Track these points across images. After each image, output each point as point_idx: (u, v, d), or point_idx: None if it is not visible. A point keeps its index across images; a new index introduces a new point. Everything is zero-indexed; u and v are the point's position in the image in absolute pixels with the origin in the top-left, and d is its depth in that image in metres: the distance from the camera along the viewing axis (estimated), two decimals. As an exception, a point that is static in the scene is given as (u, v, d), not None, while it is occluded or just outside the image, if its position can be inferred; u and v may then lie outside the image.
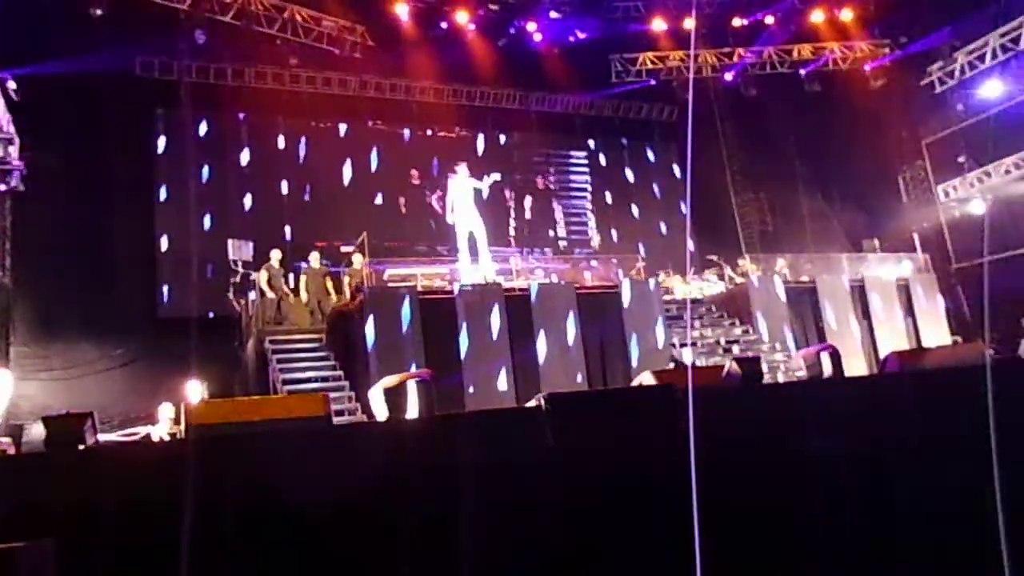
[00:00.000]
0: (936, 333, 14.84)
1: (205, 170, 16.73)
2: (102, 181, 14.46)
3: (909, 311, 14.96)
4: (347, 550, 4.01)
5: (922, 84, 17.45)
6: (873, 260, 16.24)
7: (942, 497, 5.31)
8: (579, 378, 11.55)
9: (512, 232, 19.34)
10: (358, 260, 12.81)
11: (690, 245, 21.09)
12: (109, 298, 14.18)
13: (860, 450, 5.42)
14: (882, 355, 12.20)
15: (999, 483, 4.29)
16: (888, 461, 5.51)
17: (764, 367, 9.02)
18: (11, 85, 13.06)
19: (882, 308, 14.55)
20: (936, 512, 5.28)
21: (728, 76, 19.13)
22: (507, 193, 19.42)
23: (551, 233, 20.20)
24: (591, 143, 21.13)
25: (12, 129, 12.59)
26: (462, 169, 13.23)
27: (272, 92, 17.34)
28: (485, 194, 13.33)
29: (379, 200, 18.10)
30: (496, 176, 13.88)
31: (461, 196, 12.97)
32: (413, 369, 5.52)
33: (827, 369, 7.01)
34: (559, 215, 20.50)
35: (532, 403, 5.47)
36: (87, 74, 13.63)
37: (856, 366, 12.74)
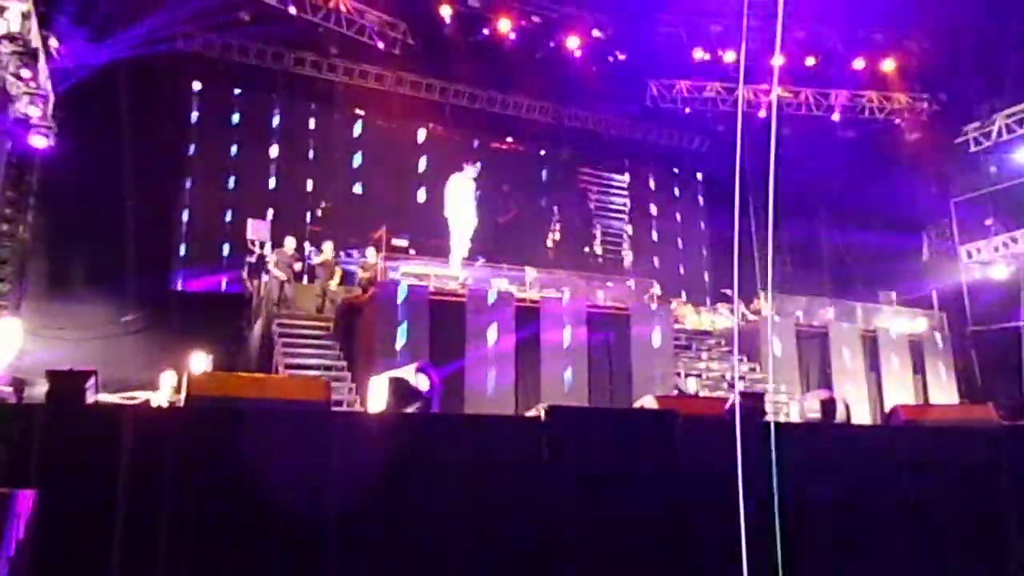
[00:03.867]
0: (944, 392, 14.70)
1: (234, 149, 16.86)
2: (132, 149, 14.57)
3: (920, 367, 14.84)
4: (327, 536, 3.99)
5: (957, 142, 17.35)
6: (888, 313, 16.12)
7: (933, 553, 5.24)
8: (582, 394, 11.52)
9: (550, 245, 19.38)
10: (372, 254, 12.84)
11: (707, 277, 21.06)
12: (125, 265, 14.26)
13: (854, 498, 5.37)
14: (887, 408, 12.10)
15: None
16: (884, 512, 5.45)
17: (767, 406, 8.97)
18: (53, 44, 13.20)
19: (892, 361, 14.43)
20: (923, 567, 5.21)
21: (762, 113, 19.08)
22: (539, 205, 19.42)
23: (586, 250, 20.18)
24: (618, 163, 21.15)
25: (49, 87, 12.72)
26: (469, 169, 13.30)
27: (308, 79, 17.48)
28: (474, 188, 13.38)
29: (396, 196, 18.13)
30: (478, 166, 13.93)
31: (463, 194, 13.08)
32: (418, 364, 5.50)
33: (831, 415, 6.96)
34: (598, 233, 20.55)
35: (532, 413, 5.45)
36: (129, 42, 13.78)
37: (861, 416, 12.62)
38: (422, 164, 18.66)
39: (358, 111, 18.25)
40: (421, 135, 18.95)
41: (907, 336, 15.10)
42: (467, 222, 13.01)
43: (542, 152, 20.49)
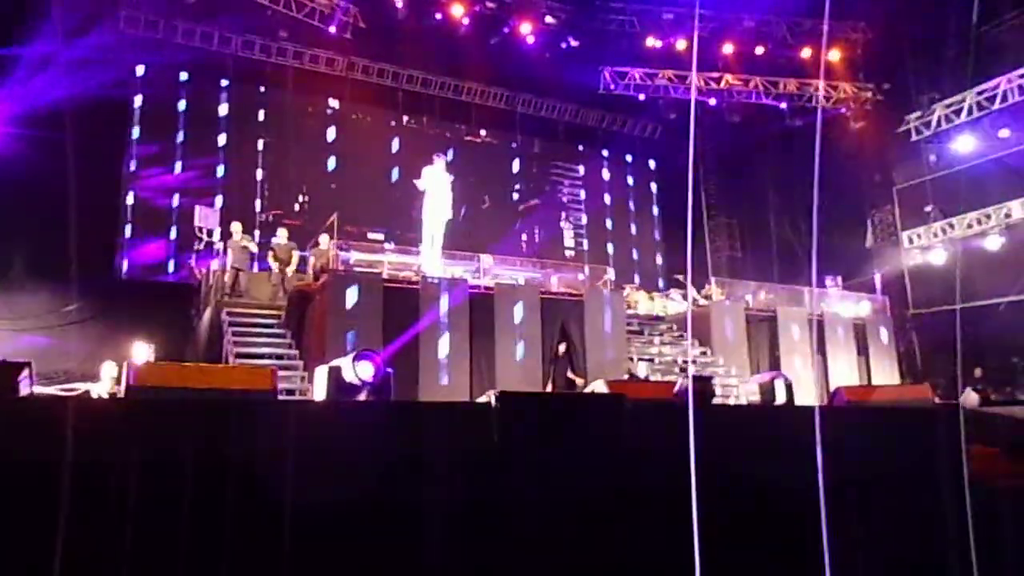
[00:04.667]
0: (887, 374, 15.15)
1: (180, 134, 16.47)
2: (75, 130, 14.10)
3: (863, 350, 15.27)
4: (274, 527, 3.95)
5: (899, 131, 17.80)
6: (834, 297, 16.53)
7: (882, 529, 5.42)
8: (535, 380, 11.57)
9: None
10: (325, 241, 12.68)
11: (660, 262, 21.31)
12: (67, 253, 13.84)
13: (800, 478, 5.51)
14: (831, 387, 12.42)
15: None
16: (828, 490, 5.61)
17: (717, 388, 9.14)
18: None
19: (837, 344, 14.82)
20: (874, 543, 5.38)
21: (713, 100, 19.33)
22: (485, 196, 19.41)
23: (530, 240, 20.26)
24: (572, 150, 21.24)
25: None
26: (439, 160, 13.14)
27: (257, 63, 17.14)
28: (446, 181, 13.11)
29: (353, 182, 17.93)
30: (447, 158, 13.74)
31: (438, 187, 12.88)
32: (356, 351, 5.45)
33: (779, 396, 7.13)
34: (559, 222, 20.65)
35: (483, 399, 5.46)
36: (67, 20, 13.34)
37: (807, 397, 12.93)
38: (389, 153, 18.53)
39: (310, 97, 17.97)
40: (381, 122, 18.79)
41: (852, 319, 15.51)
42: (443, 214, 12.77)
43: (494, 140, 20.46)
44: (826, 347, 14.62)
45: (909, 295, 17.90)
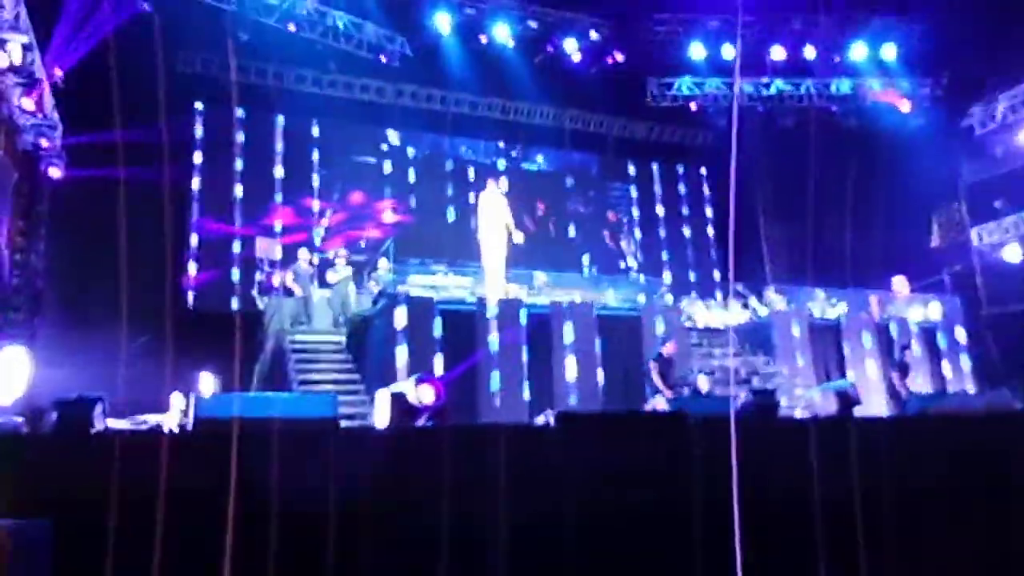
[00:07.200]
0: (962, 379, 14.56)
1: (239, 167, 16.95)
2: (138, 172, 14.65)
3: (935, 354, 14.70)
4: (343, 554, 4.00)
5: (961, 126, 17.23)
6: (901, 300, 16.00)
7: (961, 540, 5.19)
8: (596, 398, 11.49)
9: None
10: (382, 266, 12.87)
11: (717, 274, 20.99)
12: (136, 288, 14.27)
13: (875, 491, 5.32)
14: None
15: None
16: (906, 503, 5.40)
17: (783, 400, 8.92)
18: (58, 74, 13.34)
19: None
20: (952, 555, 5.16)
21: (760, 107, 19.03)
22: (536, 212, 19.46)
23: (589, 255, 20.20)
24: (621, 164, 21.13)
25: (56, 117, 12.86)
26: (493, 185, 13.17)
27: (309, 95, 17.57)
28: (509, 219, 13.00)
29: (414, 205, 18.22)
30: (500, 182, 13.61)
31: (493, 211, 12.82)
32: (418, 376, 5.50)
33: (846, 406, 6.92)
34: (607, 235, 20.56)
35: (541, 419, 5.45)
36: (129, 66, 13.88)
37: (877, 406, 12.53)
38: (443, 178, 18.79)
39: (362, 127, 18.33)
40: (432, 147, 19.09)
41: (921, 323, 14.97)
42: (500, 237, 12.56)
43: (544, 157, 20.53)
44: (895, 353, 14.13)
45: (982, 295, 17.21)
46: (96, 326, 13.96)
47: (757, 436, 5.73)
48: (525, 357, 11.30)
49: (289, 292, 12.63)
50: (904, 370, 11.97)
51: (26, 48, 10.04)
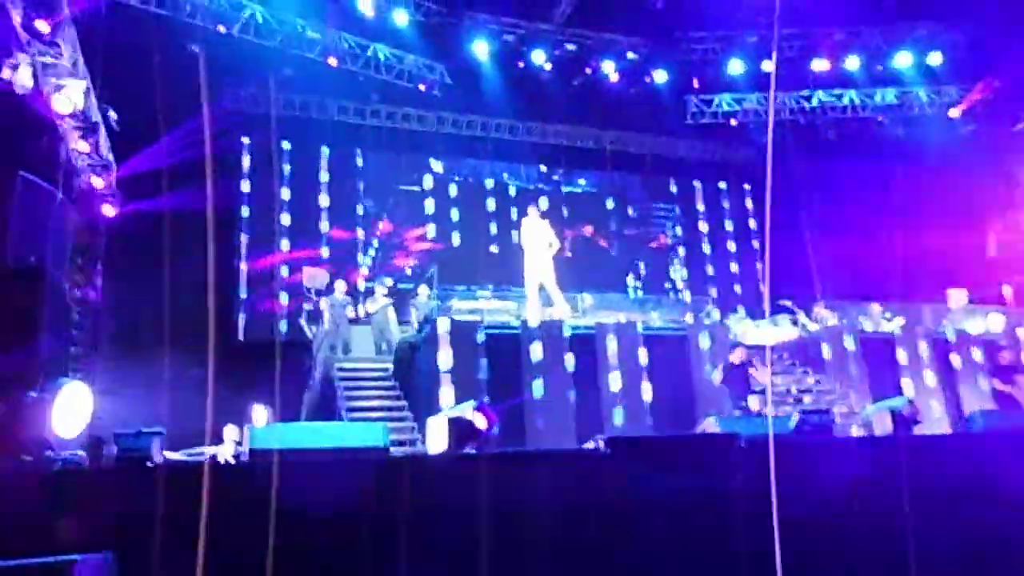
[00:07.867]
0: (1026, 393, 14.00)
1: (287, 199, 17.31)
2: (187, 207, 15.07)
3: (996, 369, 14.17)
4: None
5: (1015, 129, 16.76)
6: (958, 313, 15.51)
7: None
8: (644, 420, 11.35)
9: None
10: (424, 292, 12.98)
11: (764, 289, 20.65)
12: (189, 320, 14.60)
13: (938, 509, 5.15)
14: (965, 413, 11.62)
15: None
16: (973, 523, 5.21)
17: (836, 419, 8.70)
18: (112, 116, 13.85)
19: (966, 364, 13.82)
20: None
21: (806, 119, 18.79)
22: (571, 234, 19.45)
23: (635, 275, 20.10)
24: (663, 183, 21.03)
25: (111, 157, 13.33)
26: (533, 210, 13.22)
27: (353, 126, 17.92)
28: (553, 239, 13.05)
29: (457, 231, 18.39)
30: (541, 207, 13.67)
31: (536, 237, 12.87)
32: (475, 403, 5.52)
33: (903, 424, 6.72)
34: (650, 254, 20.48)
35: (590, 444, 5.40)
36: (178, 104, 14.34)
37: (935, 424, 12.13)
38: (484, 204, 19.01)
39: (404, 155, 18.63)
40: (474, 173, 19.29)
41: (981, 336, 14.47)
42: (545, 262, 12.63)
43: (586, 180, 20.58)
44: (953, 368, 13.69)
45: (1044, 305, 16.62)
46: (147, 359, 14.34)
47: (812, 455, 5.61)
48: (571, 381, 11.23)
49: (328, 321, 12.80)
50: (1004, 373, 11.51)
51: (85, 94, 10.45)
